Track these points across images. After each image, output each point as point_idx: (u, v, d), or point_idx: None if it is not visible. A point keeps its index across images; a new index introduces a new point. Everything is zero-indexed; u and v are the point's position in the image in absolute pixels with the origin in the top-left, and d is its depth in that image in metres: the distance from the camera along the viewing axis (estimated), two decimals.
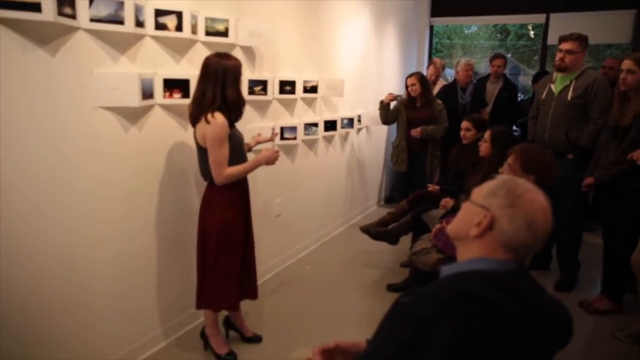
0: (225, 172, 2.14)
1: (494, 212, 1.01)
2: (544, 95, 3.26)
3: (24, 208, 1.78)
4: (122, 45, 2.08)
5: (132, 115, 2.18)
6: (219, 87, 2.08)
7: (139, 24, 2.09)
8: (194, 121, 2.13)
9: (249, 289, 2.45)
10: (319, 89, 3.64)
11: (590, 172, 2.97)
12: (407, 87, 4.18)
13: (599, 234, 3.24)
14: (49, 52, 1.78)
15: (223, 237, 2.21)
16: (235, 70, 2.12)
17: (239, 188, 2.27)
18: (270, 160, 2.33)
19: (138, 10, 2.06)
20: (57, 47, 1.81)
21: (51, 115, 1.82)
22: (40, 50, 1.75)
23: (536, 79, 4.50)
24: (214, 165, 2.12)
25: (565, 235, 3.25)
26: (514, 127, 5.17)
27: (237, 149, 2.20)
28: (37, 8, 1.62)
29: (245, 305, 2.51)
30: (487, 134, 3.00)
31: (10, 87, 1.68)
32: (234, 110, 2.14)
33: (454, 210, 2.86)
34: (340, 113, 4.12)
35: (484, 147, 2.99)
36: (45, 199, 1.85)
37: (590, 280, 3.43)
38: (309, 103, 3.66)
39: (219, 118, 2.06)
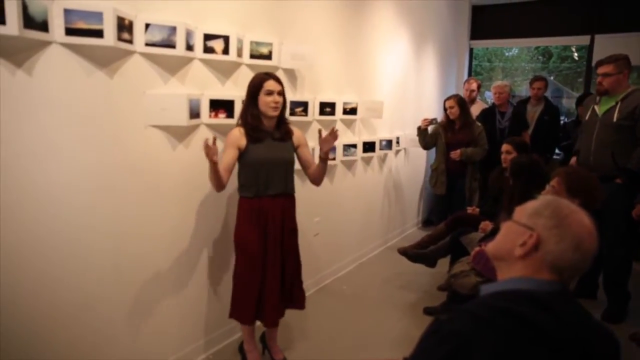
0: None
1: (539, 232, 0.99)
2: (587, 117, 3.20)
3: (73, 219, 1.87)
4: (173, 67, 2.20)
5: (180, 134, 2.28)
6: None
7: (189, 47, 2.21)
8: None
9: (272, 311, 2.30)
10: (359, 111, 3.69)
11: None
12: (445, 109, 4.18)
13: None
14: (107, 74, 1.92)
15: (239, 250, 2.28)
16: (251, 86, 2.22)
17: (255, 204, 2.23)
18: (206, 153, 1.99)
19: (189, 35, 2.18)
20: (115, 70, 1.94)
21: (106, 131, 1.94)
22: (101, 73, 1.89)
23: (579, 101, 4.39)
24: None
25: (612, 263, 3.11)
26: (557, 151, 5.04)
27: (251, 166, 2.20)
28: (99, 34, 1.77)
29: (280, 323, 2.52)
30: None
31: (73, 105, 1.81)
32: (247, 125, 2.22)
33: (493, 233, 2.81)
34: (379, 135, 4.15)
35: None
36: (95, 210, 1.95)
37: None
38: (348, 124, 3.71)
39: (234, 129, 2.23)
